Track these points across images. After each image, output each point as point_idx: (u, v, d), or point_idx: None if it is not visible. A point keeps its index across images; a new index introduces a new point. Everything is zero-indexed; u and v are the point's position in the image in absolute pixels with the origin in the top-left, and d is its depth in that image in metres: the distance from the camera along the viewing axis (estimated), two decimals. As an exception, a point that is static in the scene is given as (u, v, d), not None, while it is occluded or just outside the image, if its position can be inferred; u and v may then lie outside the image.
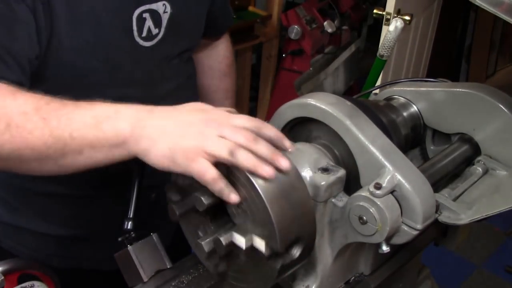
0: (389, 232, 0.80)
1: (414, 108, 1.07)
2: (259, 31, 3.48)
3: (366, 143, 0.84)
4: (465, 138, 1.03)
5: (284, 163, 0.75)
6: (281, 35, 3.59)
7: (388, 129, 0.95)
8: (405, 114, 1.05)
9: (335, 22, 3.54)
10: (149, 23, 1.05)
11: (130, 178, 0.99)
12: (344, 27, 3.72)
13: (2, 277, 1.02)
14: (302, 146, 0.90)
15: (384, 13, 2.48)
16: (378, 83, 1.59)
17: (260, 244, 0.76)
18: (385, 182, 0.80)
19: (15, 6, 0.91)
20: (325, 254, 0.89)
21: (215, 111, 0.80)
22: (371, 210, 0.79)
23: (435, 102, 1.05)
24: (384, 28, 2.50)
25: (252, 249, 0.77)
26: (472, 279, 2.87)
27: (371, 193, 0.79)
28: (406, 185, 0.81)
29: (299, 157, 0.85)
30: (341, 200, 0.85)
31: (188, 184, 0.81)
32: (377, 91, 1.16)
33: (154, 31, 1.07)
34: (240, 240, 0.77)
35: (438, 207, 0.88)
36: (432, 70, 3.39)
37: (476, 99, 1.00)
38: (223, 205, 0.80)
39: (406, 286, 1.16)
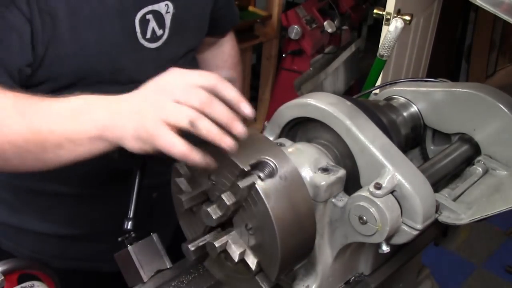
0: (389, 232, 0.80)
1: (414, 108, 1.07)
2: (259, 31, 3.48)
3: (366, 143, 0.84)
4: (465, 138, 1.03)
5: (239, 130, 0.72)
6: (281, 35, 3.59)
7: (388, 129, 0.95)
8: (405, 114, 1.05)
9: (335, 22, 3.53)
10: (152, 24, 1.05)
11: (130, 177, 0.98)
12: (344, 27, 3.72)
13: (2, 277, 1.02)
14: (302, 146, 0.90)
15: (384, 13, 2.48)
16: (378, 83, 1.59)
17: (252, 262, 0.77)
18: (385, 182, 0.80)
19: (7, 14, 0.91)
20: (325, 254, 0.89)
21: (169, 75, 0.78)
22: (371, 210, 0.79)
23: (435, 102, 1.05)
24: (384, 28, 2.50)
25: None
26: (472, 279, 2.87)
27: (371, 193, 0.79)
28: (406, 185, 0.81)
29: (299, 157, 0.85)
30: (341, 200, 0.85)
31: (189, 173, 0.82)
32: (377, 91, 1.16)
33: (159, 32, 1.07)
34: (234, 252, 0.78)
35: (438, 207, 0.88)
36: (432, 70, 3.39)
37: (476, 99, 1.00)
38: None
39: (406, 286, 1.16)
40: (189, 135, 0.73)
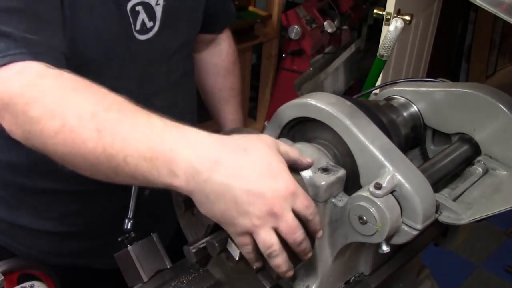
0: (389, 232, 0.80)
1: (414, 108, 1.07)
2: (259, 31, 3.48)
3: (366, 143, 0.84)
4: (465, 138, 1.03)
5: (307, 258, 0.79)
6: (281, 35, 3.59)
7: (388, 129, 0.95)
8: (405, 114, 1.05)
9: (335, 22, 3.54)
10: (142, 16, 1.05)
11: None
12: (344, 27, 3.72)
13: (2, 277, 1.03)
14: (302, 146, 0.90)
15: (384, 13, 2.48)
16: (378, 83, 1.59)
17: (233, 250, 0.78)
18: (385, 182, 0.80)
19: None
20: (325, 254, 0.89)
21: (285, 183, 0.73)
22: (371, 210, 0.79)
23: (435, 102, 1.05)
24: (384, 28, 2.50)
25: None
26: (472, 279, 2.87)
27: (371, 193, 0.79)
28: (406, 185, 0.81)
29: (299, 157, 0.85)
30: (341, 200, 0.85)
31: None
32: (377, 91, 1.16)
33: (149, 24, 1.06)
34: (234, 250, 0.78)
35: (438, 207, 0.88)
36: (432, 70, 3.39)
37: (476, 99, 1.00)
38: None
39: (406, 286, 1.16)
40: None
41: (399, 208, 0.81)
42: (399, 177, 0.81)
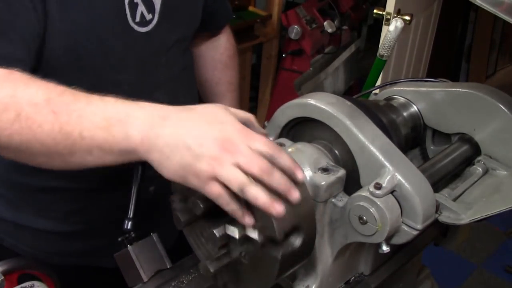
0: (389, 232, 0.80)
1: (414, 108, 1.07)
2: (259, 31, 3.48)
3: (366, 143, 0.84)
4: (465, 138, 1.03)
5: (295, 196, 0.73)
6: (281, 35, 3.59)
7: (388, 129, 0.95)
8: (405, 114, 1.05)
9: (335, 22, 3.54)
10: (141, 8, 1.05)
11: (131, 171, 0.98)
12: (344, 27, 3.72)
13: (2, 277, 1.03)
14: (302, 146, 0.90)
15: (384, 13, 2.48)
16: (378, 83, 1.59)
17: (253, 233, 0.75)
18: (385, 182, 0.80)
19: None
20: (325, 254, 0.89)
21: (233, 126, 0.75)
22: (371, 210, 0.79)
23: (435, 102, 1.05)
24: (384, 28, 2.50)
25: (249, 243, 0.77)
26: (472, 279, 2.87)
27: (371, 193, 0.80)
28: (406, 185, 0.81)
29: (299, 157, 0.85)
30: (341, 200, 0.85)
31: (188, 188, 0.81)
32: (377, 91, 1.16)
33: (148, 16, 1.06)
34: (233, 230, 0.77)
35: (438, 207, 0.88)
36: (432, 70, 3.39)
37: (476, 99, 1.00)
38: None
39: (406, 286, 1.16)
40: None
41: (399, 208, 0.81)
42: (399, 177, 0.81)
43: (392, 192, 0.81)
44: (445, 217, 0.89)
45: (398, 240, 0.83)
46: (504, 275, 2.89)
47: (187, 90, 1.27)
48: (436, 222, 0.87)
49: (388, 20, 2.46)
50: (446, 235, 1.17)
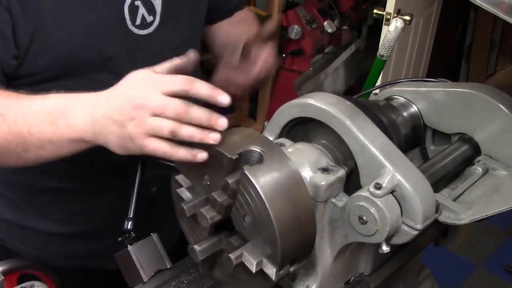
0: (389, 232, 0.80)
1: (414, 108, 1.07)
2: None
3: (366, 143, 0.84)
4: (465, 138, 1.03)
5: (220, 124, 0.76)
6: (281, 35, 3.59)
7: (388, 129, 0.95)
8: (405, 114, 1.05)
9: (335, 22, 3.53)
10: (142, 11, 1.05)
11: (131, 172, 0.98)
12: (344, 27, 3.72)
13: (2, 277, 1.03)
14: (302, 146, 0.90)
15: (384, 13, 2.48)
16: (378, 83, 1.59)
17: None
18: (385, 182, 0.80)
19: None
20: (325, 254, 0.89)
21: (143, 81, 0.80)
22: (371, 210, 0.79)
23: (435, 102, 1.05)
24: (384, 28, 2.50)
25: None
26: (472, 279, 2.87)
27: (371, 193, 0.79)
28: (406, 185, 0.81)
29: (299, 157, 0.85)
30: (341, 200, 0.85)
31: (191, 171, 0.82)
32: (377, 91, 1.16)
33: (149, 18, 1.06)
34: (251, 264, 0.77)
35: (438, 207, 0.88)
36: (432, 70, 3.38)
37: (476, 99, 1.00)
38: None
39: (406, 286, 1.16)
40: None
41: (399, 208, 0.81)
42: (399, 177, 0.81)
43: (392, 192, 0.81)
44: (445, 217, 0.89)
45: (398, 240, 0.83)
46: (504, 275, 2.89)
47: None
48: (436, 222, 0.87)
49: (388, 20, 2.46)
50: (446, 235, 1.17)
